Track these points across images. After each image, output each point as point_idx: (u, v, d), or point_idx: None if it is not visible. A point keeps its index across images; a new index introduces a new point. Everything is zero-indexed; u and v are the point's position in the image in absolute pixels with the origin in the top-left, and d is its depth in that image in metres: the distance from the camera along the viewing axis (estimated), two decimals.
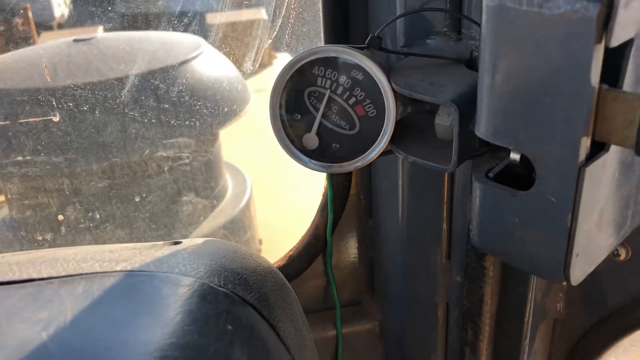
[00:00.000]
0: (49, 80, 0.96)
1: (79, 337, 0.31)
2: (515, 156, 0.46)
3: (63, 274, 0.36)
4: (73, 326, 0.31)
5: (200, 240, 0.45)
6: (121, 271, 0.36)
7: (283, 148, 0.60)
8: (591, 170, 0.41)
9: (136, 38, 1.24)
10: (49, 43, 1.26)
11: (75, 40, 1.22)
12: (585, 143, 0.40)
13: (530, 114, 0.42)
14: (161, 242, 0.44)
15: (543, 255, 0.45)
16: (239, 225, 1.36)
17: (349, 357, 0.86)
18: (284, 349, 0.39)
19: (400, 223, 0.72)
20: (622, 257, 0.65)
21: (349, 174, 0.79)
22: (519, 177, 0.47)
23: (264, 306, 0.40)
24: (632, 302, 0.66)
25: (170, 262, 0.38)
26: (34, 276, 0.36)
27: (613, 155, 0.43)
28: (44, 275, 0.36)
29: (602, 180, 0.43)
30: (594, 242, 0.46)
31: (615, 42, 0.37)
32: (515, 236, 0.46)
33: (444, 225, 0.69)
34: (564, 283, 0.45)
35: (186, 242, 0.45)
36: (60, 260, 0.38)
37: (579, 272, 0.45)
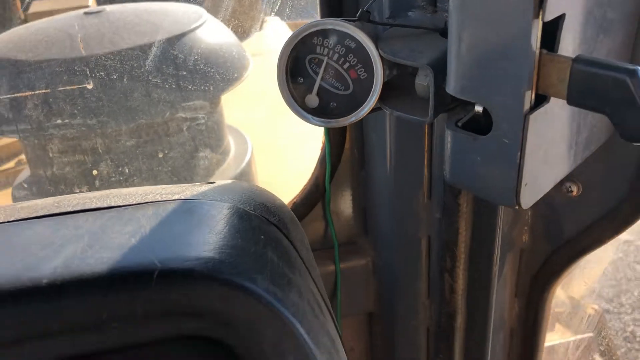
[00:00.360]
0: (82, 52, 1.06)
1: (158, 241, 0.42)
2: (478, 108, 0.58)
3: (134, 202, 0.48)
4: (152, 235, 0.43)
5: (228, 181, 0.57)
6: (178, 199, 0.48)
7: (289, 107, 0.70)
8: (534, 117, 0.53)
9: (141, 9, 1.33)
10: (60, 16, 1.35)
11: (85, 13, 1.30)
12: (529, 96, 0.52)
13: (487, 74, 0.53)
14: (199, 183, 0.56)
15: (500, 186, 0.57)
16: (246, 179, 1.48)
17: (346, 289, 0.99)
18: (299, 259, 0.51)
19: (388, 170, 0.84)
20: (575, 192, 0.78)
21: (344, 129, 0.90)
22: (482, 124, 0.59)
23: (283, 227, 0.52)
24: (583, 231, 0.79)
25: (212, 194, 0.50)
26: (112, 204, 0.47)
27: (554, 105, 0.55)
28: (120, 204, 0.48)
29: (545, 125, 0.55)
30: (540, 175, 0.58)
31: (548, 17, 0.49)
32: (478, 172, 0.58)
33: (425, 170, 0.81)
34: (516, 207, 0.57)
35: (218, 182, 0.56)
36: (126, 195, 0.50)
37: (528, 199, 0.57)
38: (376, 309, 1.00)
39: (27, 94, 1.04)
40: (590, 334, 4.28)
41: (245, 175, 1.49)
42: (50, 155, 1.13)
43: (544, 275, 0.86)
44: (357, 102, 0.68)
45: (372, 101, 0.67)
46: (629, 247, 7.49)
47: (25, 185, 1.20)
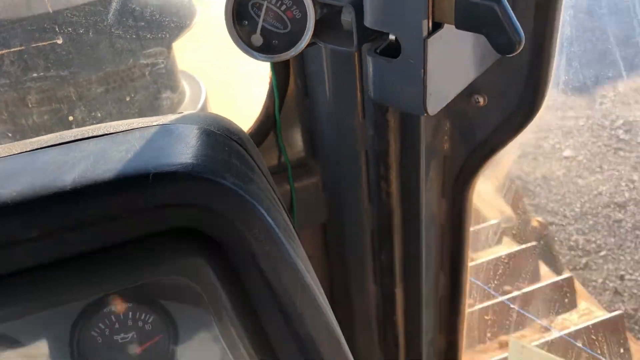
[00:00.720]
0: (49, 10, 1.15)
1: (148, 154, 0.56)
2: (391, 37, 0.72)
3: (122, 130, 0.61)
4: (142, 150, 0.56)
5: (194, 111, 0.70)
6: (157, 125, 0.61)
7: (237, 47, 0.82)
8: (432, 41, 0.67)
9: None
10: None
11: None
12: (426, 24, 0.66)
13: (394, 8, 0.67)
14: (170, 114, 0.69)
15: (411, 98, 0.71)
16: None
17: (301, 205, 1.13)
18: (259, 170, 0.66)
19: (327, 97, 0.98)
20: (481, 103, 0.93)
21: (287, 63, 1.03)
22: (395, 50, 0.73)
23: (242, 144, 0.66)
24: (490, 135, 0.95)
25: (183, 120, 0.63)
26: (106, 132, 0.60)
27: (449, 30, 0.69)
28: (112, 131, 0.60)
29: (441, 46, 0.69)
30: (442, 87, 0.73)
31: None
32: (394, 88, 0.73)
33: (358, 94, 0.95)
34: (425, 114, 0.72)
35: (185, 113, 0.69)
36: (115, 125, 0.62)
37: (433, 107, 0.72)
38: (328, 219, 1.16)
39: (3, 52, 1.12)
40: (534, 243, 4.62)
41: None
42: (30, 105, 1.23)
43: (464, 175, 1.03)
44: (295, 38, 0.81)
45: (307, 37, 0.80)
46: (571, 163, 7.90)
47: (9, 135, 1.31)
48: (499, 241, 4.43)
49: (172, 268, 0.59)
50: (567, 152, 7.53)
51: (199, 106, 1.60)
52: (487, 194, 5.17)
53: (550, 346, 3.34)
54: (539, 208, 6.84)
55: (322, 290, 0.70)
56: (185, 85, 1.64)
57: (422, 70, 0.68)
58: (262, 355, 0.62)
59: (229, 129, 0.67)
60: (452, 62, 0.73)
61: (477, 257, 4.15)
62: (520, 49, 0.62)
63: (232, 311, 0.59)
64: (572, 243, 6.28)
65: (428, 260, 1.12)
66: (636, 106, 7.90)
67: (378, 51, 0.74)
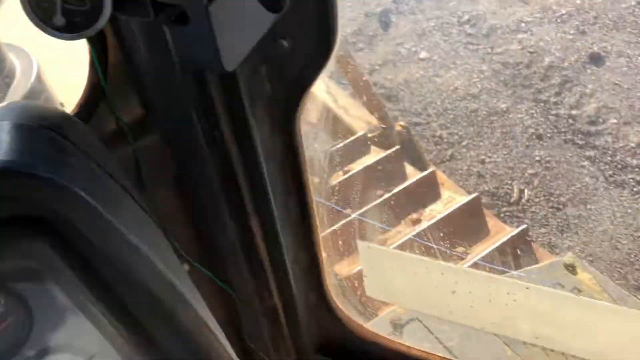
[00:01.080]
0: None
1: None
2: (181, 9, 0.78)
3: None
4: None
5: (5, 104, 0.74)
6: None
7: (40, 29, 0.85)
8: (214, 7, 0.75)
9: None
10: None
11: None
12: None
13: None
14: None
15: (208, 58, 0.79)
16: (36, 92, 1.57)
17: (148, 165, 1.18)
18: (74, 147, 0.72)
19: (147, 60, 1.03)
20: (287, 46, 1.03)
21: (103, 33, 1.05)
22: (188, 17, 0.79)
23: (56, 128, 0.71)
24: (300, 73, 1.05)
25: None
26: None
27: None
28: None
29: (225, 10, 0.77)
30: (234, 43, 0.81)
31: None
32: (194, 50, 0.80)
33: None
34: (227, 70, 0.80)
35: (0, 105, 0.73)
36: None
37: (230, 62, 0.80)
38: (177, 172, 1.23)
39: None
40: (399, 146, 4.95)
41: (37, 91, 1.58)
42: None
43: (289, 112, 1.13)
44: (96, 14, 0.85)
45: (107, 12, 0.84)
46: (427, 64, 8.31)
47: None
48: (367, 151, 4.71)
49: (12, 253, 0.65)
50: (423, 54, 7.95)
51: (31, 80, 1.57)
52: (352, 108, 5.41)
53: (416, 237, 3.71)
54: (404, 111, 7.26)
55: (168, 247, 0.79)
56: (14, 61, 1.59)
57: (210, 33, 0.76)
58: (116, 312, 0.71)
59: (42, 116, 0.72)
60: (239, 20, 0.81)
61: (349, 170, 4.40)
62: (286, 7, 0.71)
63: (77, 280, 0.67)
64: (437, 138, 6.78)
65: (274, 190, 1.23)
66: (478, 0, 8.39)
67: (172, 19, 0.80)
